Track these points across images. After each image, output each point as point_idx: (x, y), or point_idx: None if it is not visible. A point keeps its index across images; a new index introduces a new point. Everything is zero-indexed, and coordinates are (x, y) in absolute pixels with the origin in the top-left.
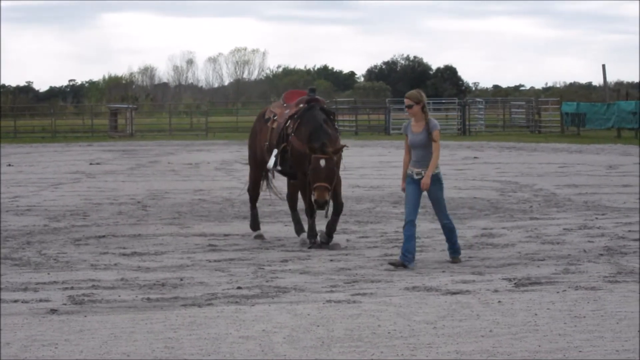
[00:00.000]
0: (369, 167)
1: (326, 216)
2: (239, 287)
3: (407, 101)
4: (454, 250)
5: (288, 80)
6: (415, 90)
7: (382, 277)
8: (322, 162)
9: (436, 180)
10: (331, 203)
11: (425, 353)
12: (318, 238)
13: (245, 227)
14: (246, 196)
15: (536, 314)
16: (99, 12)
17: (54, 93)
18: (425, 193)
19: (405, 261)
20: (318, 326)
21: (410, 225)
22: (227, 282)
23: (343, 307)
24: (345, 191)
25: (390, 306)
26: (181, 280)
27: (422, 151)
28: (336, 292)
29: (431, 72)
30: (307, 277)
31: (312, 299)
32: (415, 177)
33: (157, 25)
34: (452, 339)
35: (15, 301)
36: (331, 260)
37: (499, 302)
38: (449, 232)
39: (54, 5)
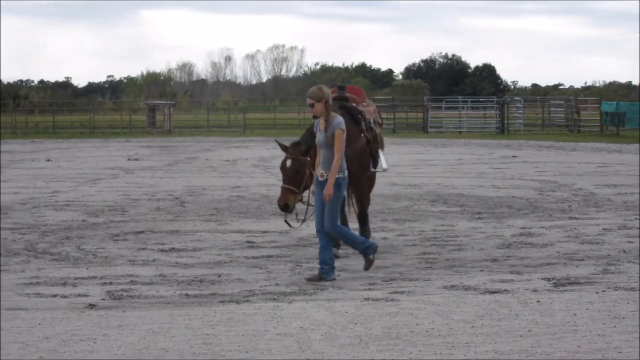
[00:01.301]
0: (407, 165)
1: (298, 222)
2: (276, 284)
3: (308, 100)
4: (363, 253)
5: (326, 77)
6: (315, 87)
7: (421, 276)
8: (288, 162)
9: (337, 185)
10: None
11: (463, 352)
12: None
13: (282, 223)
14: None
15: (575, 314)
16: (138, 8)
17: (92, 89)
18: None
19: (324, 273)
20: (356, 324)
21: (321, 234)
22: (265, 279)
23: (381, 305)
24: (382, 189)
25: (428, 305)
26: (219, 276)
27: (325, 151)
28: (374, 290)
29: (469, 71)
30: (345, 274)
31: (350, 296)
32: (319, 179)
33: (196, 22)
34: (490, 339)
35: (54, 296)
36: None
37: (538, 301)
38: (321, 246)
39: (93, 2)
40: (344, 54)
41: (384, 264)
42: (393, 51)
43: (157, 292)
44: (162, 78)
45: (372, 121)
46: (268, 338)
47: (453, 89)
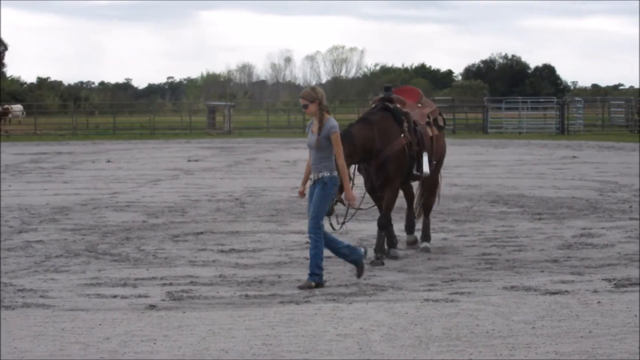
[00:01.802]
0: (467, 165)
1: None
2: (336, 285)
3: (301, 101)
4: (310, 274)
5: (386, 78)
6: (309, 87)
7: (481, 277)
8: None
9: (322, 183)
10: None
11: (523, 353)
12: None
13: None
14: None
15: (636, 315)
16: (198, 9)
17: (152, 90)
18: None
19: (317, 280)
20: (416, 325)
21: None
22: (325, 280)
23: (441, 306)
24: (442, 190)
25: (488, 305)
26: (279, 277)
27: (315, 154)
28: (434, 290)
29: (529, 71)
30: (405, 275)
31: (410, 297)
32: (311, 181)
33: (256, 23)
34: (551, 340)
35: (115, 297)
36: (429, 259)
37: (599, 302)
38: (311, 248)
39: (152, 3)
40: (404, 54)
41: (444, 264)
42: (453, 52)
43: (217, 292)
44: (222, 79)
45: (418, 123)
46: (328, 339)
47: (513, 90)
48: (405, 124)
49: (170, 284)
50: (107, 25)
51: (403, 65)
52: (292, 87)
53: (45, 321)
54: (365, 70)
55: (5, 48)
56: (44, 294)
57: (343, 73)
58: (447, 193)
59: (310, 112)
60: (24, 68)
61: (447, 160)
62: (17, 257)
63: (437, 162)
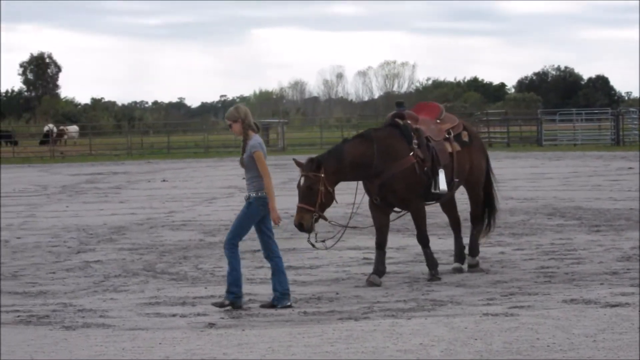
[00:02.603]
0: (522, 178)
1: (313, 243)
2: (395, 301)
3: (226, 121)
4: (226, 291)
5: (438, 92)
6: (232, 107)
7: (540, 290)
8: (302, 180)
9: (248, 203)
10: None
11: None
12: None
13: (398, 239)
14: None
15: None
16: (249, 27)
17: (205, 109)
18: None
19: (231, 299)
20: (476, 339)
21: (269, 260)
22: (383, 296)
23: (500, 320)
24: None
25: (548, 319)
26: (337, 293)
27: (246, 173)
28: (493, 305)
29: (582, 82)
30: (463, 289)
31: (469, 312)
32: (245, 200)
33: (307, 40)
34: (612, 352)
35: (174, 315)
36: (487, 273)
37: None
38: (229, 272)
39: (203, 22)
40: (456, 68)
41: (502, 278)
42: (505, 64)
43: (276, 310)
44: (274, 97)
45: (432, 139)
46: (388, 355)
47: (566, 101)
48: (415, 141)
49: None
50: (159, 45)
51: (455, 79)
52: (344, 103)
53: (106, 341)
54: (417, 84)
55: (59, 70)
56: (104, 314)
57: (395, 88)
58: (504, 206)
59: (235, 131)
60: (78, 89)
61: (502, 173)
62: (76, 277)
63: (472, 178)
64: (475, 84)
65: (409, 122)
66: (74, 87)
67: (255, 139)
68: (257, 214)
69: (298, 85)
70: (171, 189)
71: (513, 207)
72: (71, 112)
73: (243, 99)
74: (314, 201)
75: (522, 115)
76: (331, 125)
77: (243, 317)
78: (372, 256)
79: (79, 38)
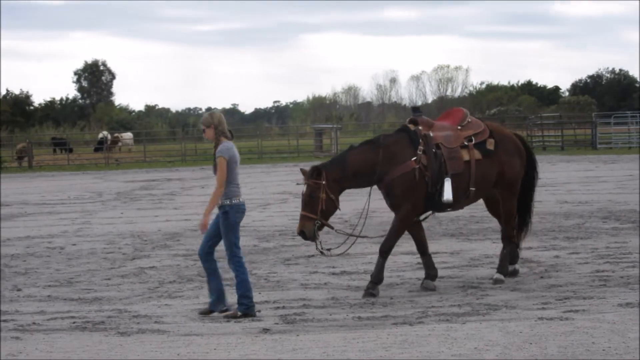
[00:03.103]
0: (576, 182)
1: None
2: (449, 305)
3: (201, 126)
4: (238, 303)
5: (492, 96)
6: (207, 113)
7: (595, 294)
8: (304, 188)
9: (223, 212)
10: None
11: None
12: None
13: (452, 244)
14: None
15: None
16: (302, 33)
17: (259, 115)
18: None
19: (243, 310)
20: (531, 344)
21: (204, 261)
22: (437, 300)
23: (555, 325)
24: (553, 207)
25: (604, 323)
26: (391, 298)
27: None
28: (548, 309)
29: (637, 85)
30: (518, 294)
31: (524, 316)
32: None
33: (360, 45)
34: None
35: (228, 321)
36: (542, 277)
37: None
38: (237, 283)
39: (257, 28)
40: (509, 72)
41: (557, 282)
42: (559, 67)
43: (330, 315)
44: (327, 102)
45: (443, 145)
46: (443, 359)
47: (621, 104)
48: (421, 147)
49: (283, 307)
50: (213, 51)
51: (509, 82)
52: (398, 108)
53: (161, 347)
54: (471, 89)
55: (114, 77)
56: (159, 320)
57: (449, 92)
58: (558, 210)
59: (208, 136)
60: (132, 96)
61: (556, 177)
62: (131, 283)
63: (506, 187)
64: (529, 88)
65: (420, 128)
66: (128, 94)
67: (224, 145)
68: (236, 221)
69: (351, 90)
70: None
71: (568, 210)
72: (125, 119)
73: (296, 104)
74: (315, 209)
75: (577, 118)
76: (384, 130)
77: (297, 322)
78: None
79: (133, 45)
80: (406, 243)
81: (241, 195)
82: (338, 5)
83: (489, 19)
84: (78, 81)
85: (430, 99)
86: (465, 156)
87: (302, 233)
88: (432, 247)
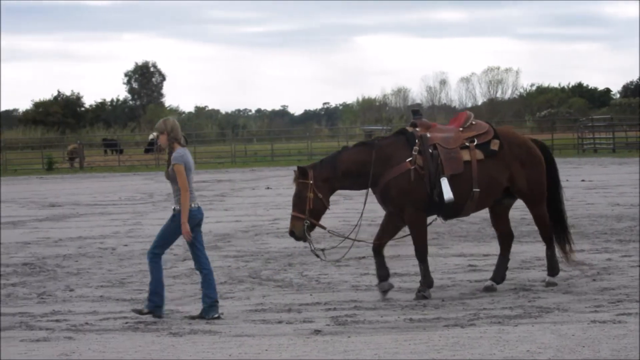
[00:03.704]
0: (629, 185)
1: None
2: (501, 307)
3: (155, 132)
4: (205, 308)
5: (542, 98)
6: (161, 120)
7: None
8: (294, 188)
9: (173, 216)
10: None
11: None
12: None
13: None
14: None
15: None
16: (352, 35)
17: (308, 116)
18: None
19: (150, 308)
20: (583, 347)
21: (150, 260)
22: (489, 303)
23: (608, 328)
24: (605, 209)
25: None
26: (442, 300)
27: (172, 185)
28: (600, 312)
29: None
30: (570, 297)
31: (576, 319)
32: (172, 212)
33: (410, 46)
34: None
35: (280, 322)
36: (594, 280)
37: None
38: (202, 283)
39: (306, 30)
40: (560, 74)
41: (609, 285)
42: (610, 69)
43: (381, 317)
44: (377, 103)
45: (440, 145)
46: None
47: None
48: (416, 148)
49: (334, 309)
50: (262, 53)
51: (559, 84)
52: (447, 110)
53: (213, 347)
54: (521, 90)
55: (164, 78)
56: (210, 321)
57: (499, 94)
58: (610, 213)
59: (162, 143)
60: (182, 97)
61: (608, 179)
62: (182, 284)
63: (524, 195)
64: (579, 90)
65: (417, 129)
66: (178, 96)
67: (178, 151)
68: (180, 228)
69: (401, 92)
70: (275, 196)
71: (619, 213)
72: None
73: (346, 106)
74: (303, 208)
75: (628, 120)
76: None
77: (349, 324)
78: (477, 263)
79: (183, 47)
80: (457, 245)
81: (193, 201)
82: (388, 7)
83: (540, 21)
84: (128, 82)
85: (480, 100)
86: (466, 156)
87: (292, 233)
88: (483, 249)
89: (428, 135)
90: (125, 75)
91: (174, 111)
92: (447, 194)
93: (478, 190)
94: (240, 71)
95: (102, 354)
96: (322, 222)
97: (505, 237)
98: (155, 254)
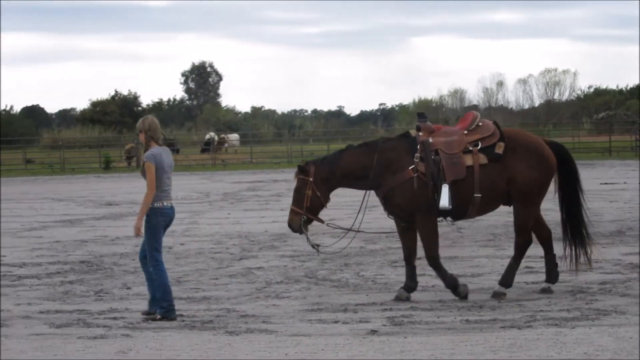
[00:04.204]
0: None
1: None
2: (558, 309)
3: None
4: (159, 307)
5: (600, 100)
6: (142, 118)
7: None
8: (295, 183)
9: (147, 216)
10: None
11: None
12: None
13: (560, 249)
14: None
15: None
16: (409, 36)
17: (364, 117)
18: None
19: (162, 313)
20: None
21: (142, 264)
22: (546, 304)
23: None
24: None
25: None
26: (499, 302)
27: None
28: None
29: None
30: (628, 299)
31: (634, 321)
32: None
33: (467, 48)
34: None
35: (336, 322)
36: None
37: None
38: (154, 287)
39: (363, 31)
40: (618, 75)
41: None
42: None
43: (438, 317)
44: (433, 105)
45: (442, 150)
46: None
47: None
48: (417, 154)
49: (391, 309)
50: (319, 53)
51: (617, 86)
52: (504, 112)
53: (269, 346)
54: (579, 92)
55: (220, 78)
56: (267, 320)
57: (556, 96)
58: None
59: (142, 141)
60: (238, 98)
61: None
62: (238, 283)
63: (519, 196)
64: (638, 92)
65: (420, 134)
66: (235, 96)
67: (152, 150)
68: (156, 225)
69: (458, 93)
70: (331, 195)
71: None
72: (232, 120)
73: (402, 107)
74: (301, 203)
75: None
76: None
77: (405, 324)
78: (534, 265)
79: (240, 47)
80: (510, 247)
81: (167, 200)
82: (445, 7)
83: (597, 22)
84: (185, 82)
85: (537, 102)
86: (468, 161)
87: (290, 226)
88: (537, 251)
89: (430, 140)
90: (182, 75)
91: (231, 111)
92: (443, 201)
93: (479, 195)
94: (296, 71)
95: (158, 352)
96: (322, 215)
97: (544, 235)
98: (157, 261)
